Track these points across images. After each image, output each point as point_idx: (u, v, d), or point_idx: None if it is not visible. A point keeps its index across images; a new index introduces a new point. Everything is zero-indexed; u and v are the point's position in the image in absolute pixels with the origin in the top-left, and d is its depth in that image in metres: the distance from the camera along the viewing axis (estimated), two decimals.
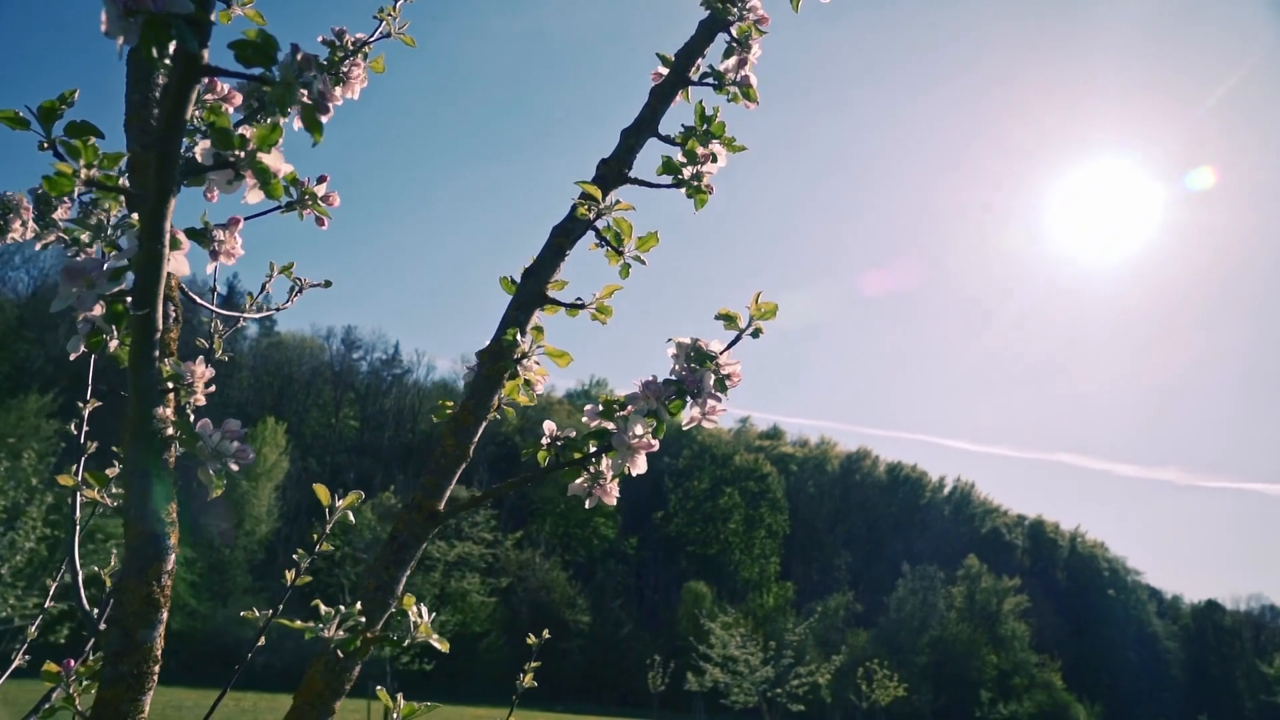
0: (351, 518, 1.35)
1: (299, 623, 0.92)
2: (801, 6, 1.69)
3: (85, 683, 1.05)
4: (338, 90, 1.37)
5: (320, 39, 1.47)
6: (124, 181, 1.05)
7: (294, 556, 1.32)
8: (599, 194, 1.34)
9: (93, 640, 1.23)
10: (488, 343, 1.29)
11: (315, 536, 1.33)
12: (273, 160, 0.97)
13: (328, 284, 1.55)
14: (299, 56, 0.87)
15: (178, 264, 1.01)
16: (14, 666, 1.59)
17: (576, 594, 42.51)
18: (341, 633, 0.94)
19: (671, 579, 49.15)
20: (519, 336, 1.24)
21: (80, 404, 1.23)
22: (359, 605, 0.99)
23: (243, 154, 0.97)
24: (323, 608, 0.95)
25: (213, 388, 1.07)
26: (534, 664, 1.97)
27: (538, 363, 1.23)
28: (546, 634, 2.02)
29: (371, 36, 1.60)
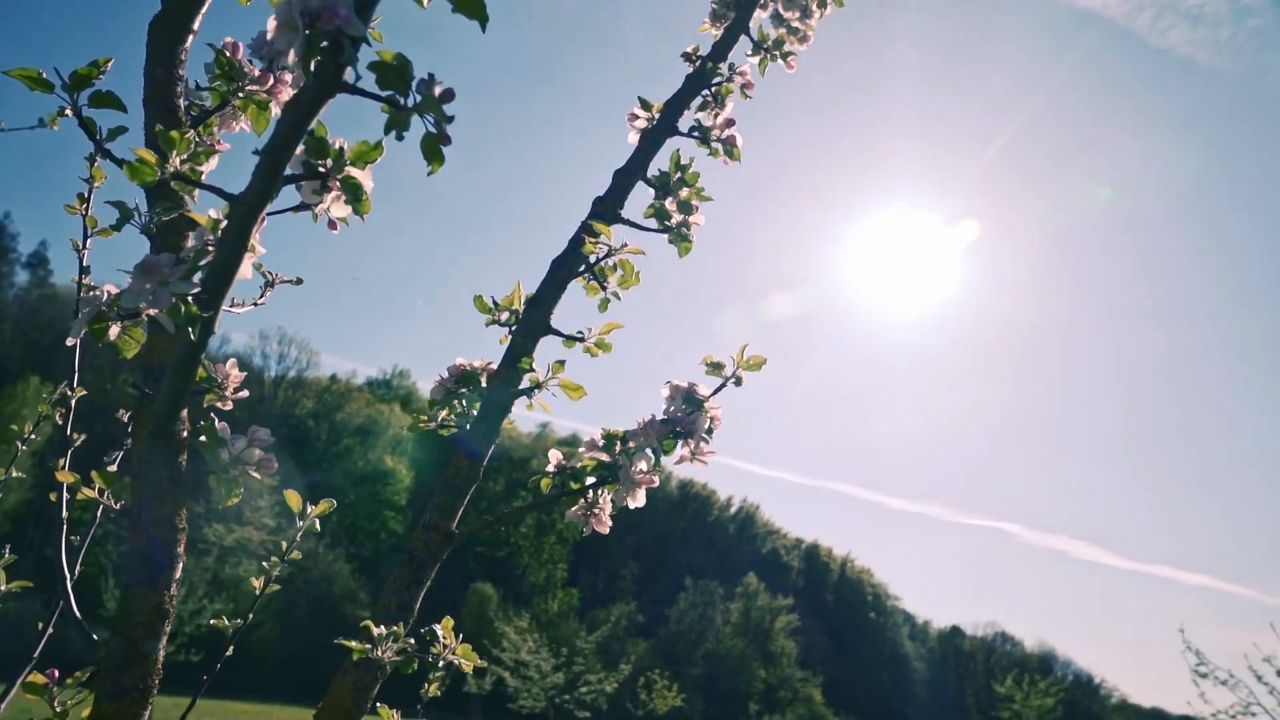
0: (318, 526, 1.33)
1: (354, 643, 0.93)
2: (767, 71, 1.82)
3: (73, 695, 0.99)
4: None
5: None
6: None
7: (264, 565, 1.28)
8: (609, 233, 1.39)
9: (40, 645, 1.16)
10: (495, 366, 1.32)
11: (285, 545, 1.30)
12: (364, 176, 0.97)
13: (299, 281, 1.50)
14: (437, 89, 0.88)
15: (243, 267, 0.98)
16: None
17: (359, 588, 41.02)
18: (393, 655, 0.95)
19: (458, 579, 48.37)
20: (533, 365, 1.28)
21: (68, 392, 1.13)
22: (400, 626, 1.00)
23: (333, 165, 0.96)
24: (374, 629, 0.95)
25: (244, 392, 1.04)
26: (439, 672, 1.96)
27: (554, 394, 1.26)
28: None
29: None
